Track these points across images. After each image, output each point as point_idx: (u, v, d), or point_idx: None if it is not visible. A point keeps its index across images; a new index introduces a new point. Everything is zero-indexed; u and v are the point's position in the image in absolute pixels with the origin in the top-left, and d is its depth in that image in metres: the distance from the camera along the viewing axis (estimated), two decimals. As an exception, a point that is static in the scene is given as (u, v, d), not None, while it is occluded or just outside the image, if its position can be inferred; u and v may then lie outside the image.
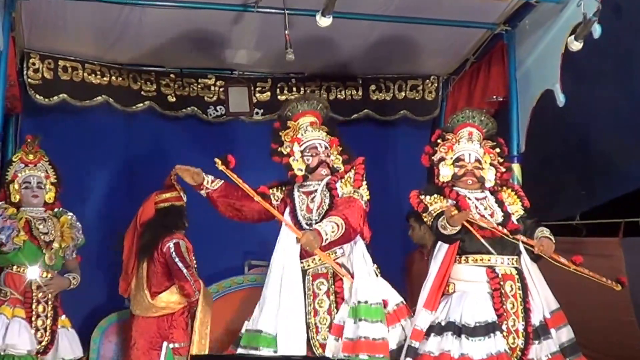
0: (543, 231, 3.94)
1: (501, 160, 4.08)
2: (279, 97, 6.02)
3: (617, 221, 4.82)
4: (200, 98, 5.87)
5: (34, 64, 5.39)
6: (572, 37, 4.44)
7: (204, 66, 5.92)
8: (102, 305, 5.42)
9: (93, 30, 5.23)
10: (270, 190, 4.07)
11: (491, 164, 4.02)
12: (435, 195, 3.92)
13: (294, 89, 6.03)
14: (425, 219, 3.91)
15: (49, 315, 4.22)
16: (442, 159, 4.00)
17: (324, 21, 4.55)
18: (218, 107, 5.92)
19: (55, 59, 5.46)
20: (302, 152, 3.90)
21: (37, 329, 4.16)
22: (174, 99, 5.83)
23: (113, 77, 5.64)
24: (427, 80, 6.13)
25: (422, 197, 3.90)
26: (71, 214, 4.50)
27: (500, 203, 3.95)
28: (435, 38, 5.45)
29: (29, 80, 5.37)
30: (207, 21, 5.13)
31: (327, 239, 3.60)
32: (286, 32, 4.59)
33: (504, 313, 3.68)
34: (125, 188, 5.88)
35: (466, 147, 3.98)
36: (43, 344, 4.17)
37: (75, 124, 5.68)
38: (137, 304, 4.68)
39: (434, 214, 3.83)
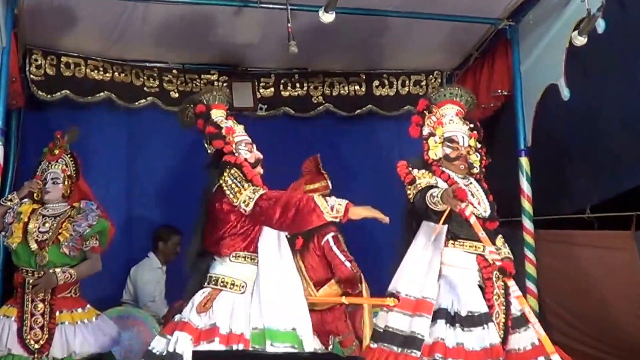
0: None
1: (479, 145, 3.86)
2: (282, 92, 6.06)
3: (629, 214, 4.74)
4: (204, 94, 5.85)
5: (36, 60, 5.40)
6: (576, 32, 4.42)
7: (207, 62, 5.93)
8: (103, 299, 5.22)
9: (96, 26, 5.23)
10: None
11: (476, 150, 3.82)
12: (424, 171, 3.70)
13: (297, 84, 6.07)
14: (408, 192, 3.67)
15: (45, 313, 4.16)
16: (431, 134, 3.78)
17: (327, 17, 4.57)
18: (221, 103, 5.93)
19: (57, 55, 5.47)
20: (236, 143, 3.61)
21: (32, 328, 4.11)
22: (176, 95, 5.83)
23: (116, 73, 5.66)
24: (431, 76, 6.16)
25: (411, 169, 3.69)
26: (90, 205, 4.35)
27: (486, 192, 3.76)
28: (439, 33, 5.47)
29: (32, 76, 5.38)
30: (210, 17, 5.13)
31: None
32: (289, 24, 4.56)
33: (494, 304, 3.54)
34: (128, 184, 5.89)
35: (459, 128, 3.76)
36: (40, 342, 4.10)
37: (78, 120, 5.52)
38: None
39: (420, 188, 3.59)
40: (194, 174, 4.02)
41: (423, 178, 3.64)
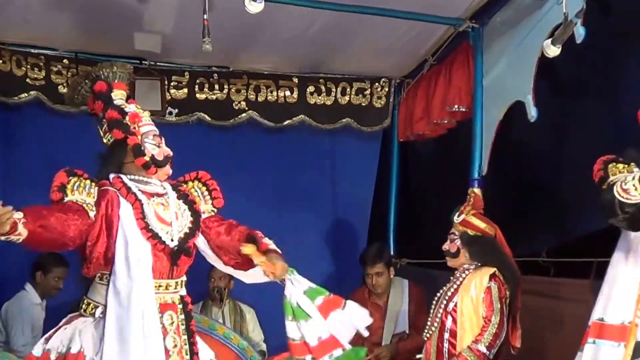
0: None
1: None
2: (197, 95, 5.89)
3: (589, 260, 4.67)
4: (99, 91, 5.59)
5: None
6: (549, 40, 4.19)
7: (106, 52, 5.59)
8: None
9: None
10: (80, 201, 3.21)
11: None
12: (622, 164, 3.28)
13: (216, 86, 5.90)
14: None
15: None
16: None
17: (255, 6, 4.30)
18: (121, 103, 5.62)
19: None
20: (143, 135, 3.32)
21: None
22: (65, 90, 5.44)
23: (-10, 60, 5.35)
24: (377, 84, 6.10)
25: (611, 164, 3.28)
26: None
27: None
28: (388, 34, 5.30)
29: None
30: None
31: None
32: (205, 16, 4.32)
33: None
34: (1, 197, 5.46)
35: None
36: None
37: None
38: None
39: (610, 184, 3.18)
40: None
41: (619, 173, 3.23)
